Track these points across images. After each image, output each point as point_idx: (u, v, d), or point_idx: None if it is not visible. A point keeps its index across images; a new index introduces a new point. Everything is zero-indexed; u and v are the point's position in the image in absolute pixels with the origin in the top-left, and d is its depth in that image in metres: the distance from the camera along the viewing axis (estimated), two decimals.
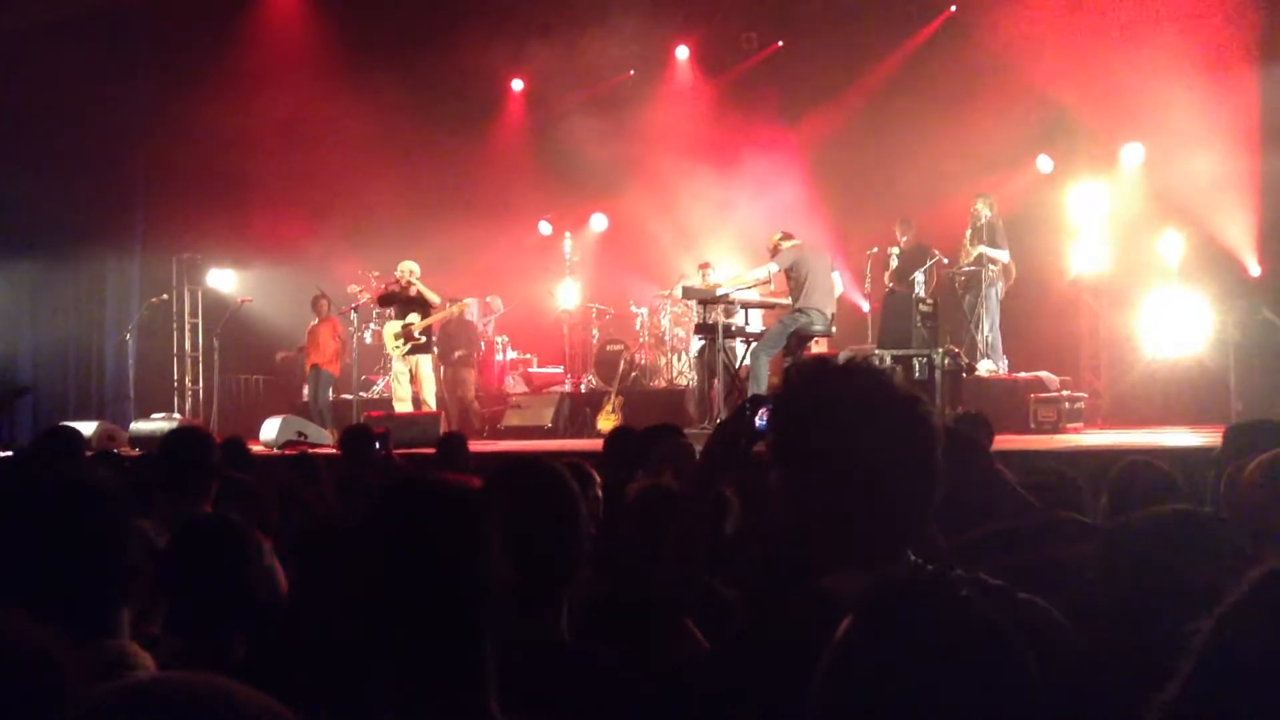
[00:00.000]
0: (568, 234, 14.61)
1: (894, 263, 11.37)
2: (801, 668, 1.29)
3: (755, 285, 9.94)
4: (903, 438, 1.68)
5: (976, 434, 5.12)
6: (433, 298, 11.61)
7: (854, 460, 1.66)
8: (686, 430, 5.37)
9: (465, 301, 12.68)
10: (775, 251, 9.63)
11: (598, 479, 3.70)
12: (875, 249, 11.53)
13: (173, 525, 3.37)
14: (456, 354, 12.86)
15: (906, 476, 1.68)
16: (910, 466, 1.68)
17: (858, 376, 1.72)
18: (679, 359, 12.95)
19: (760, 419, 2.14)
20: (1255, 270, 11.03)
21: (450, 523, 1.63)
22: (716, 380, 9.47)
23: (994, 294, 10.96)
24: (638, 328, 13.27)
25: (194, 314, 14.44)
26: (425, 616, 1.57)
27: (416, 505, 1.66)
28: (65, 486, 1.91)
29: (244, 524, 2.67)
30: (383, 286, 12.34)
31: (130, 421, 11.92)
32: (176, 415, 12.47)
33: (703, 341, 10.04)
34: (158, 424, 11.24)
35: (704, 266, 12.20)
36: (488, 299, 14.16)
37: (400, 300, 11.64)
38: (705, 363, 10.11)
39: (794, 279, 9.46)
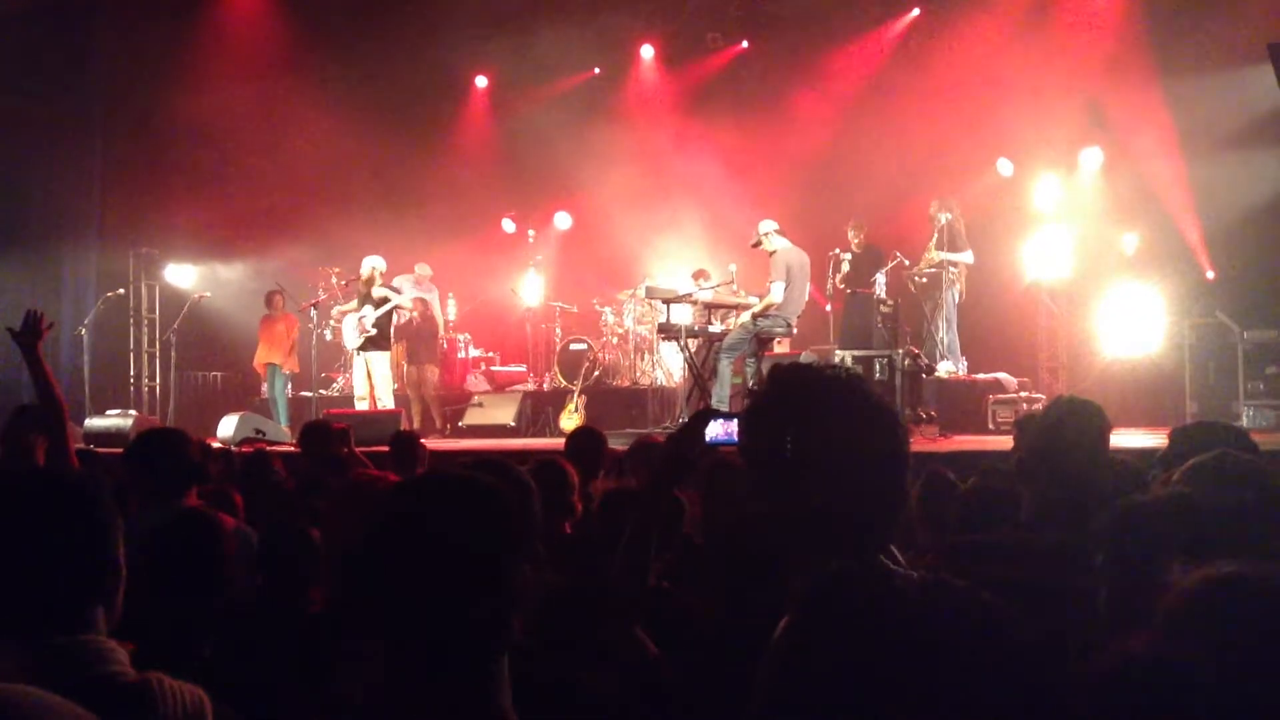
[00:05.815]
0: (531, 231, 14.52)
1: (845, 267, 11.39)
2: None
3: (768, 306, 9.66)
4: (878, 442, 1.69)
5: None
6: (397, 298, 11.54)
7: (830, 462, 1.67)
8: None
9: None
10: (764, 241, 9.64)
11: (574, 478, 3.69)
12: (836, 250, 11.55)
13: (147, 526, 3.33)
14: (422, 352, 12.75)
15: (879, 479, 1.69)
16: (884, 469, 1.69)
17: (834, 382, 1.75)
18: (642, 358, 12.93)
19: (716, 431, 2.24)
20: (1209, 274, 11.20)
21: (475, 521, 1.54)
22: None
23: (952, 296, 11.03)
24: (602, 325, 13.23)
25: (151, 309, 14.26)
26: (439, 616, 1.50)
27: (441, 501, 1.57)
28: (40, 480, 1.87)
29: (218, 520, 2.63)
30: (344, 283, 12.17)
31: (85, 418, 11.74)
32: (132, 412, 12.29)
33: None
34: (113, 420, 11.10)
35: (699, 275, 12.00)
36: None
37: (362, 296, 11.55)
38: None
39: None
